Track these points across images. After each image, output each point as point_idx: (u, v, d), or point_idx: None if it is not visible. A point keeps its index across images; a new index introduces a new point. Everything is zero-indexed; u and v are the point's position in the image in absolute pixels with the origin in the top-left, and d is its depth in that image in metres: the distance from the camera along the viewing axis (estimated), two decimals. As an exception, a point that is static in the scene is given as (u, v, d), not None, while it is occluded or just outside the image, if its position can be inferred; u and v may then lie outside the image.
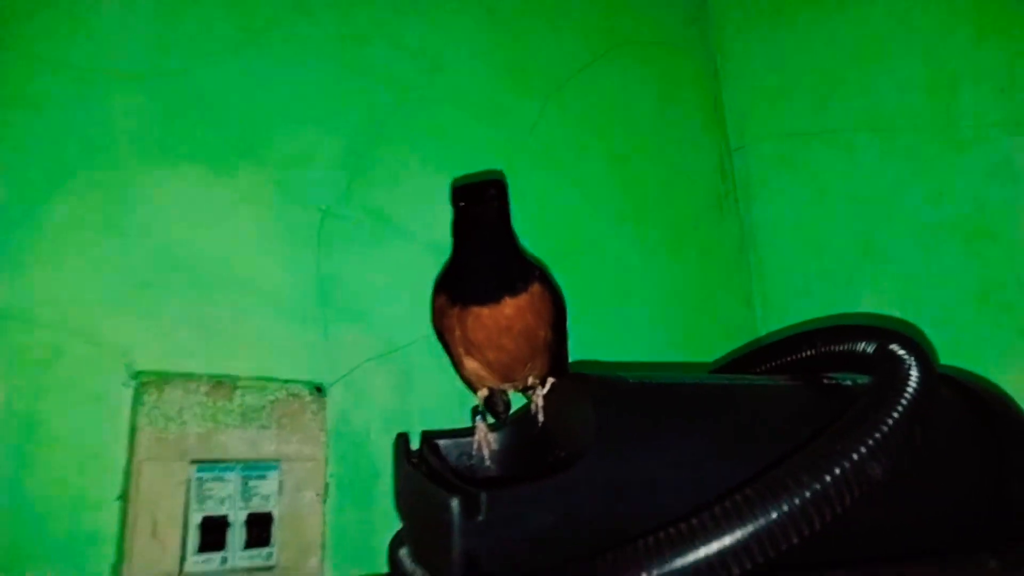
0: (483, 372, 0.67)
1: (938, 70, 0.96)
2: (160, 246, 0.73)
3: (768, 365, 0.66)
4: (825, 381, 0.59)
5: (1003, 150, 0.88)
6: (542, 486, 0.47)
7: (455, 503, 0.43)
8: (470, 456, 0.63)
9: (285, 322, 0.78)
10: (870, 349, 0.50)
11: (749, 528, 0.39)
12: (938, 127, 0.95)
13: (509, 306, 0.62)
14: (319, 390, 0.77)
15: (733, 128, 1.23)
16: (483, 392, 0.70)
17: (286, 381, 0.75)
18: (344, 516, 0.75)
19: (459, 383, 0.85)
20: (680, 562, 0.38)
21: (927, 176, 0.96)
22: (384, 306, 0.84)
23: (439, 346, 0.85)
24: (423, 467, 0.58)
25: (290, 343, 0.77)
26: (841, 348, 0.54)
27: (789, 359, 0.63)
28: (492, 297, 0.62)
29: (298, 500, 0.71)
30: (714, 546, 0.39)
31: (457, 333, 0.64)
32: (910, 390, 0.44)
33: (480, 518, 0.43)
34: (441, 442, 0.64)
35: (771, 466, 0.44)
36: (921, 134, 0.97)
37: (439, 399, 0.84)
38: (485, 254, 0.64)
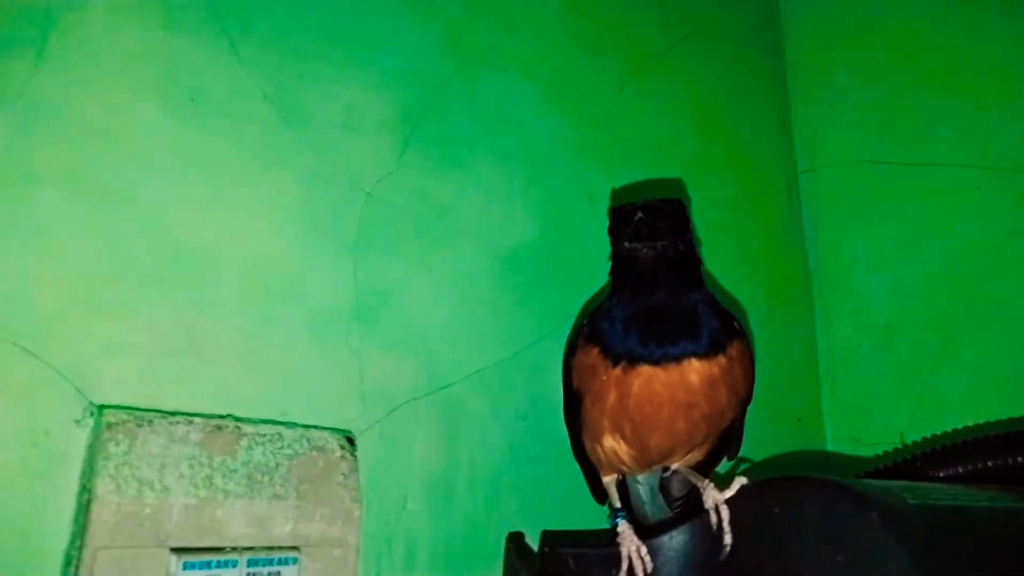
0: (625, 458, 0.47)
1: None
2: (146, 222, 0.50)
3: (954, 471, 0.50)
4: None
5: None
6: None
7: None
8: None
9: (308, 343, 0.56)
10: None
11: None
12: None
13: (696, 371, 0.43)
14: (350, 442, 0.55)
15: (802, 147, 1.08)
16: (612, 476, 0.50)
17: (307, 427, 0.54)
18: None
19: (517, 436, 0.66)
20: None
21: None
22: (432, 329, 0.63)
23: (494, 385, 0.66)
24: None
25: (315, 373, 0.56)
26: None
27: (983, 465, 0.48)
28: (672, 355, 0.43)
29: (319, 604, 0.50)
30: None
31: (611, 399, 0.44)
32: None
33: None
34: (572, 551, 0.43)
35: None
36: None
37: (493, 454, 0.64)
38: (662, 296, 0.45)
